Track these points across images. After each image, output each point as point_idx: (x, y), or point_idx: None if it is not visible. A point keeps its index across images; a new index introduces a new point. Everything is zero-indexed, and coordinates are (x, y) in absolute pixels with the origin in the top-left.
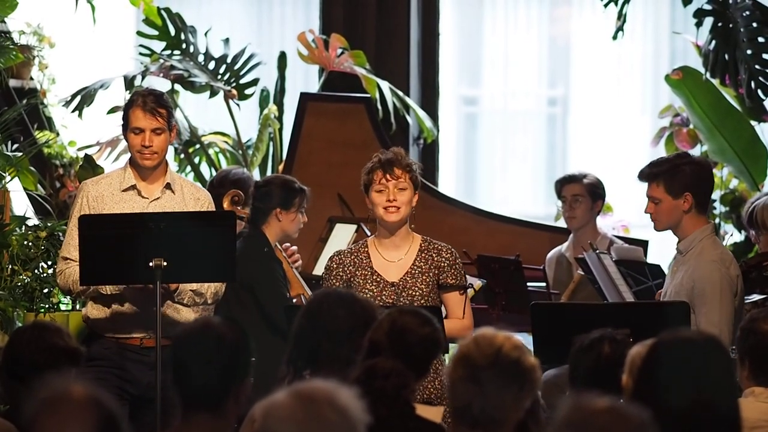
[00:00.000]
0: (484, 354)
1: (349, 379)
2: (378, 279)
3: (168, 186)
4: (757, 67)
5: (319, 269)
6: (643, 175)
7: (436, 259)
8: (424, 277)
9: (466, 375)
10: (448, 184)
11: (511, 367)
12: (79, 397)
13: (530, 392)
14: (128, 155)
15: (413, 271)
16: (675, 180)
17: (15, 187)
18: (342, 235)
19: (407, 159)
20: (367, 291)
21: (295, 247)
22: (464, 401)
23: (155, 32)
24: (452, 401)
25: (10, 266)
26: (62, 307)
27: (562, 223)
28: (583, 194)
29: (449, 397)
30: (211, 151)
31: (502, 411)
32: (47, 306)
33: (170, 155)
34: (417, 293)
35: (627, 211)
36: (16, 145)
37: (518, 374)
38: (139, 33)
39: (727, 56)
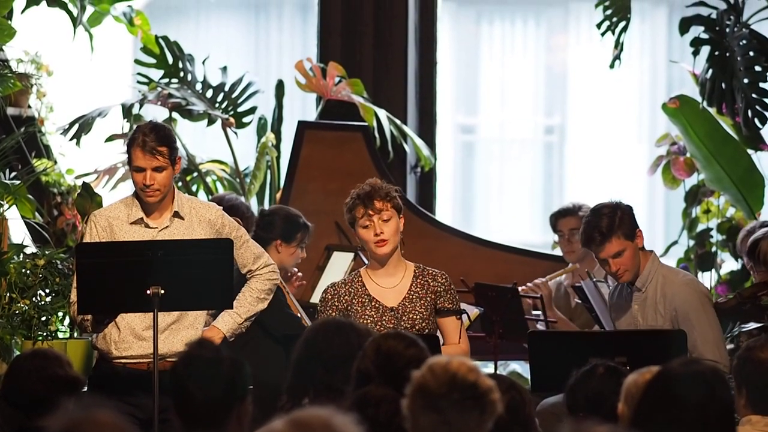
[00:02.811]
0: (441, 381)
1: (342, 408)
2: (376, 305)
3: (176, 214)
4: (753, 95)
5: (316, 297)
6: (597, 240)
7: (432, 284)
8: (422, 302)
9: (425, 405)
10: (445, 212)
11: (469, 390)
12: (105, 423)
13: (491, 414)
14: (126, 183)
15: (411, 296)
16: (625, 224)
17: (13, 215)
18: (339, 264)
19: (385, 188)
20: (366, 317)
21: (300, 274)
22: None
23: (153, 60)
24: None
25: (8, 294)
26: (60, 335)
27: (558, 252)
28: (580, 227)
29: (411, 430)
30: (208, 179)
31: None
32: (45, 334)
33: None
34: (417, 317)
35: None
36: (13, 173)
37: (477, 397)
38: (137, 61)
39: (723, 85)
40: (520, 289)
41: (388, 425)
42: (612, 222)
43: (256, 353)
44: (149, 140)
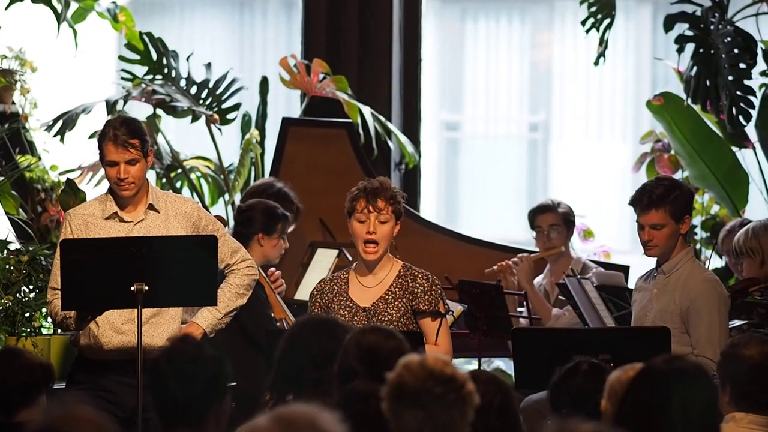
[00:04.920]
0: (419, 377)
1: (329, 405)
2: (351, 304)
3: (151, 207)
4: (738, 93)
5: (300, 294)
6: (643, 203)
7: (410, 284)
8: (396, 303)
9: (408, 402)
10: (429, 209)
11: (450, 384)
12: (85, 420)
13: (471, 405)
14: None
15: (387, 297)
16: (677, 203)
17: None
18: (323, 260)
19: (392, 189)
20: (339, 316)
21: (279, 272)
22: (414, 430)
23: (137, 57)
24: None
25: None
26: (44, 331)
27: None
28: (559, 223)
29: (395, 430)
30: (192, 176)
31: (452, 429)
32: (29, 330)
33: (152, 179)
34: (386, 318)
35: (608, 237)
36: None
37: (457, 389)
38: (121, 57)
39: (708, 82)
40: (496, 266)
41: (377, 419)
42: (666, 194)
43: (234, 359)
44: (120, 134)
